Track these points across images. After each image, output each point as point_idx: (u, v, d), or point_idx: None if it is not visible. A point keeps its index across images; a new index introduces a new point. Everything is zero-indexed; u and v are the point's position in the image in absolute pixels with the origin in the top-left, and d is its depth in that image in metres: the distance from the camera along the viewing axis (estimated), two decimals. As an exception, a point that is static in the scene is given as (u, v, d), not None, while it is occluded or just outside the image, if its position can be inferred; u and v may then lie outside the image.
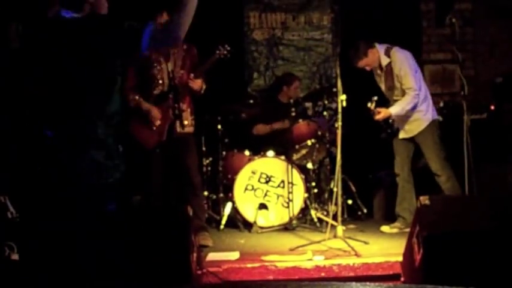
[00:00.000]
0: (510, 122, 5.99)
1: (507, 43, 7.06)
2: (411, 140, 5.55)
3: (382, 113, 5.36)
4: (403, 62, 5.41)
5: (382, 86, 5.58)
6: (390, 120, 5.49)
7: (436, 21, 7.09)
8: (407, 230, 5.24)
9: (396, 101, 5.44)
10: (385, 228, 5.56)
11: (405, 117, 5.46)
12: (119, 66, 3.42)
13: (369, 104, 5.33)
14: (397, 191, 5.61)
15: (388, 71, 5.47)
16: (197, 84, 5.00)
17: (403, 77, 5.38)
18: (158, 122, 4.96)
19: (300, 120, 6.08)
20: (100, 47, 3.26)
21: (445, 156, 5.44)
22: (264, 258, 4.44)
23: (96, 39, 3.27)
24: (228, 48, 5.05)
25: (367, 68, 5.55)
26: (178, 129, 4.79)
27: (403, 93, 5.41)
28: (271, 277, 4.19)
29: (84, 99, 3.29)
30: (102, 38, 3.27)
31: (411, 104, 5.37)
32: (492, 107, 6.19)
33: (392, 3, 6.84)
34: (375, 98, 5.39)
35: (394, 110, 5.38)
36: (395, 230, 5.49)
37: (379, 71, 5.57)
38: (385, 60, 5.47)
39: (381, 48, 5.49)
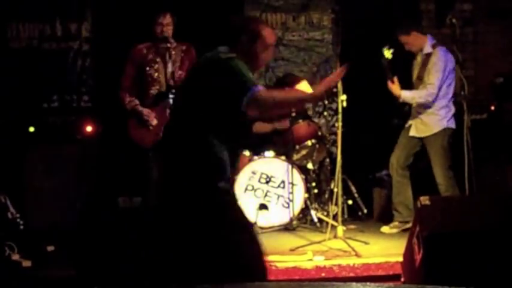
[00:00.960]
0: (510, 122, 5.99)
1: (507, 43, 7.06)
2: (420, 140, 5.53)
3: (394, 86, 5.36)
4: (440, 60, 5.40)
5: (414, 73, 5.58)
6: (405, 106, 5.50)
7: (436, 21, 7.09)
8: (407, 226, 5.29)
9: None
10: (385, 229, 5.55)
11: (421, 116, 5.45)
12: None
13: (385, 52, 5.33)
14: (392, 184, 5.59)
15: (425, 61, 5.47)
16: None
17: (431, 71, 5.37)
18: (155, 122, 4.98)
19: (300, 121, 6.08)
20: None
21: (449, 166, 5.40)
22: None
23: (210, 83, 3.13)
24: None
25: (406, 47, 5.53)
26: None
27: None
28: (271, 277, 4.19)
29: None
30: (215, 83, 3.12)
31: (423, 98, 5.37)
32: (492, 107, 6.19)
33: (393, 3, 6.84)
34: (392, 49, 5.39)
35: (405, 94, 5.37)
36: (395, 230, 5.49)
37: (418, 58, 5.57)
38: (427, 49, 5.48)
39: (430, 40, 5.52)
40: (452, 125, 5.48)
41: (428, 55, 5.46)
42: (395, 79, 5.39)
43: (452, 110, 5.52)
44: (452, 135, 5.48)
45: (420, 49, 5.53)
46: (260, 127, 6.42)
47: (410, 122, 5.57)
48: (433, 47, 5.49)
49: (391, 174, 5.61)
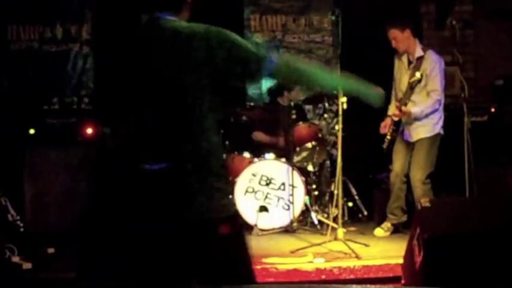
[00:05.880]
0: (510, 124, 5.99)
1: (507, 45, 7.06)
2: (411, 144, 5.47)
3: (403, 111, 5.23)
4: (437, 64, 5.29)
5: (405, 80, 5.39)
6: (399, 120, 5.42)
7: (436, 23, 7.09)
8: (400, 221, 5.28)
9: (410, 101, 5.31)
10: (379, 232, 5.50)
11: (415, 121, 5.33)
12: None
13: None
14: (392, 190, 5.55)
15: (417, 66, 5.32)
16: None
17: (433, 78, 5.25)
18: None
19: (300, 123, 6.08)
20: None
21: (430, 173, 5.30)
22: (264, 260, 4.45)
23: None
24: None
25: (393, 43, 5.36)
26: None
27: (421, 95, 5.29)
28: (271, 279, 4.19)
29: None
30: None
31: (431, 108, 5.25)
32: (492, 109, 6.18)
33: (392, 5, 6.84)
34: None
35: (415, 110, 5.23)
36: (388, 233, 5.47)
37: (405, 62, 5.42)
38: (419, 53, 5.33)
39: (418, 43, 5.41)
40: (442, 131, 5.38)
41: (420, 59, 5.32)
42: (395, 113, 5.32)
43: (443, 115, 5.41)
44: (440, 142, 5.38)
45: (406, 51, 5.39)
46: (259, 137, 6.43)
47: (402, 128, 5.45)
48: (424, 50, 5.37)
49: (393, 182, 5.52)
